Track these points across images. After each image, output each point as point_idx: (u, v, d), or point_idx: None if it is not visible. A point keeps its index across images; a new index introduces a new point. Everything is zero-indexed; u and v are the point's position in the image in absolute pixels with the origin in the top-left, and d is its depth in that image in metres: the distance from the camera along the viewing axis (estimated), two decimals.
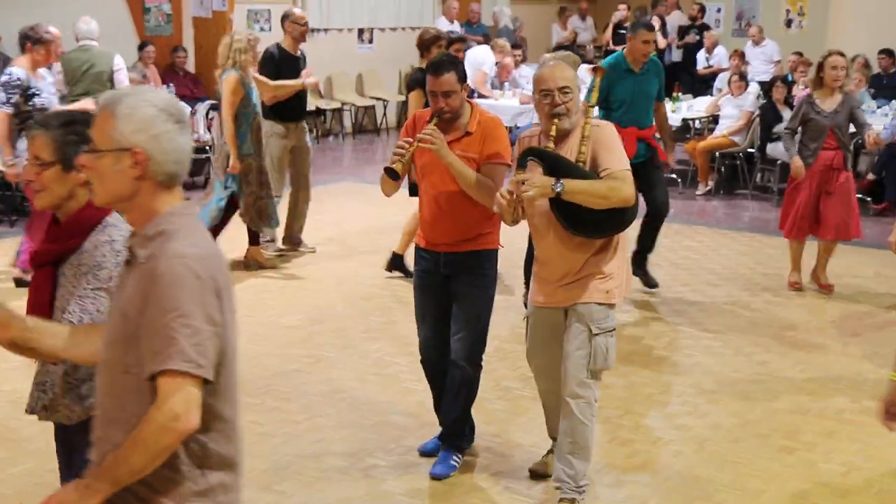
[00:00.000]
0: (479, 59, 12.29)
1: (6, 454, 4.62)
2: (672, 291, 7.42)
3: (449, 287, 4.42)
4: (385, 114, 14.94)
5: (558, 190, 3.84)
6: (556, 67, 4.07)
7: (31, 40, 6.98)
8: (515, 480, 4.53)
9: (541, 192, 3.85)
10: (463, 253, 4.37)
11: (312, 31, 14.27)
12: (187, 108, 10.86)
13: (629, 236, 4.29)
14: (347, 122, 14.73)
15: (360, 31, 14.96)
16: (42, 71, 7.19)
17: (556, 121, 4.00)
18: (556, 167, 3.92)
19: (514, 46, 13.69)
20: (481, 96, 11.79)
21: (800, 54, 12.37)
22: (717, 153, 10.94)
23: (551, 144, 4.03)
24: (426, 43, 7.43)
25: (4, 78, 6.89)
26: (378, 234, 8.61)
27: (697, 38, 14.87)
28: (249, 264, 7.78)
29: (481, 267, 4.40)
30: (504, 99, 11.91)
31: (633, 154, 6.85)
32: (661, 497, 4.43)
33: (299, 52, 8.20)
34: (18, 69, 6.93)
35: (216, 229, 7.30)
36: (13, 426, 4.91)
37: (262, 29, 13.29)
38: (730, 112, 10.94)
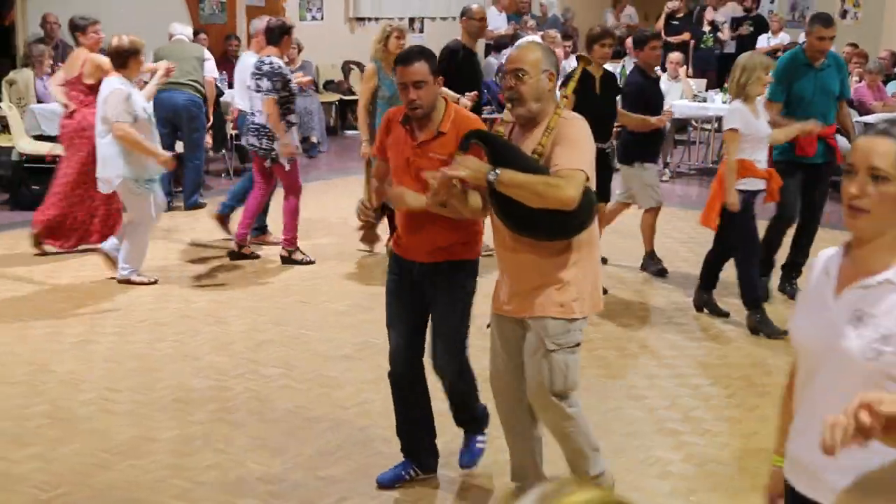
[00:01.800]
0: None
1: (59, 434, 4.71)
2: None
3: (424, 297, 4.10)
4: None
5: (491, 178, 3.44)
6: (522, 48, 3.72)
7: (283, 31, 7.49)
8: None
9: (472, 176, 3.47)
10: (438, 263, 4.02)
11: (363, 20, 14.39)
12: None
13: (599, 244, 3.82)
14: None
15: (411, 21, 14.99)
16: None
17: (508, 105, 3.67)
18: (502, 154, 3.54)
19: (565, 37, 13.62)
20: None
21: (855, 45, 12.19)
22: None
23: (501, 129, 3.73)
24: (591, 39, 6.90)
25: (266, 67, 7.25)
26: None
27: (751, 29, 14.70)
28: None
29: (456, 278, 4.04)
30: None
31: (813, 153, 6.73)
32: (707, 489, 4.40)
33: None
34: (277, 59, 7.33)
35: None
36: (66, 406, 5.01)
37: (313, 18, 13.40)
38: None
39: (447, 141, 3.86)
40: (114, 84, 6.71)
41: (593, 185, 3.60)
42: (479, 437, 4.46)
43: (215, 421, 4.89)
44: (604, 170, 6.62)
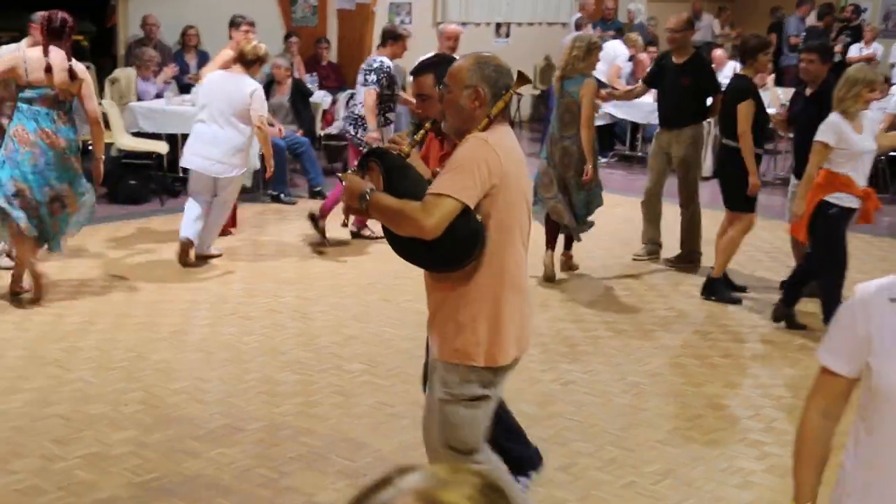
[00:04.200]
0: (613, 53, 12.25)
1: (152, 420, 4.88)
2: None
3: None
4: (519, 107, 15.00)
5: (362, 201, 3.23)
6: (456, 61, 3.44)
7: (392, 36, 8.14)
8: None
9: (348, 196, 3.27)
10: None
11: (452, 23, 14.49)
12: (328, 97, 11.18)
13: (521, 282, 3.37)
14: None
15: (498, 26, 15.08)
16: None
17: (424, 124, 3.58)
18: (391, 176, 3.28)
19: (649, 44, 13.58)
20: (615, 90, 11.72)
21: None
22: None
23: (406, 148, 3.47)
24: (751, 50, 7.03)
25: (376, 65, 7.94)
26: None
27: (849, 40, 14.42)
28: (572, 266, 7.72)
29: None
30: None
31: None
32: (789, 501, 4.37)
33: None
34: (387, 60, 7.99)
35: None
36: (160, 393, 5.19)
37: (402, 21, 13.52)
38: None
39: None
40: (250, 81, 7.28)
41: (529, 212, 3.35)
42: (521, 478, 4.10)
43: (300, 414, 5.02)
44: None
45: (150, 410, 4.99)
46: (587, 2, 14.74)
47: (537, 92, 15.42)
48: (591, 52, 7.27)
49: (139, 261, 7.61)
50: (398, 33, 8.22)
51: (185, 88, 10.69)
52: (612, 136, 12.93)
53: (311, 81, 11.20)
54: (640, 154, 12.52)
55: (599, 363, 5.87)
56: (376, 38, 12.66)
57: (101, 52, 12.61)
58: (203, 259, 7.59)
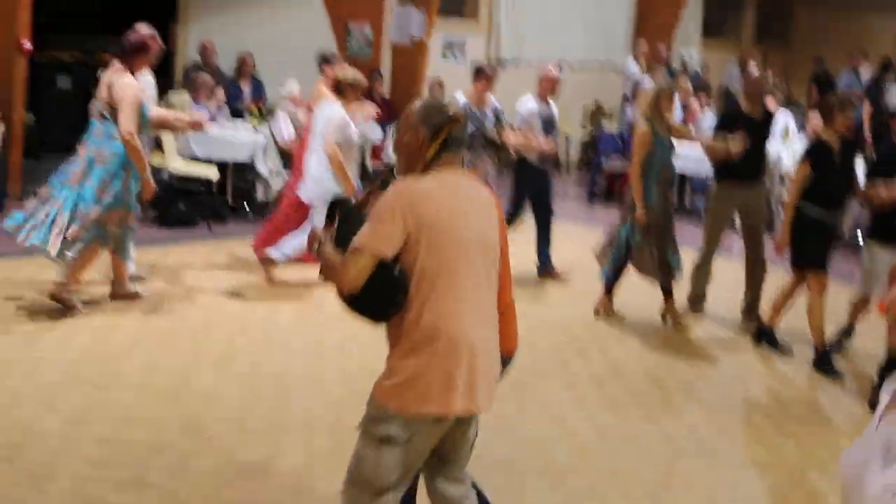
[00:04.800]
0: None
1: (192, 446, 4.90)
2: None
3: None
4: (567, 150, 15.02)
5: (315, 248, 3.34)
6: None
7: (482, 73, 8.14)
8: None
9: (308, 244, 3.50)
10: None
11: (504, 61, 14.60)
12: (378, 131, 11.27)
13: (452, 333, 3.18)
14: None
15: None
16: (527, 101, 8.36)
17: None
18: (340, 222, 3.36)
19: (700, 89, 13.54)
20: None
21: None
22: None
23: (360, 196, 3.52)
24: (832, 107, 6.83)
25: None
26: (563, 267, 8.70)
27: None
28: (666, 319, 7.63)
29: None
30: (687, 144, 11.71)
31: None
32: None
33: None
34: (461, 96, 7.95)
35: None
36: (202, 420, 5.21)
37: (454, 58, 13.66)
38: None
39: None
40: (337, 108, 7.42)
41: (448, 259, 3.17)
42: None
43: (339, 449, 5.02)
44: (824, 239, 6.74)
45: (189, 437, 5.02)
46: (640, 46, 14.79)
47: (586, 136, 15.39)
48: (657, 99, 7.32)
49: (186, 284, 7.69)
50: (482, 71, 8.13)
51: (237, 114, 10.85)
52: None
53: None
54: (686, 206, 12.41)
55: (638, 416, 5.84)
56: (430, 72, 12.83)
57: (158, 73, 12.81)
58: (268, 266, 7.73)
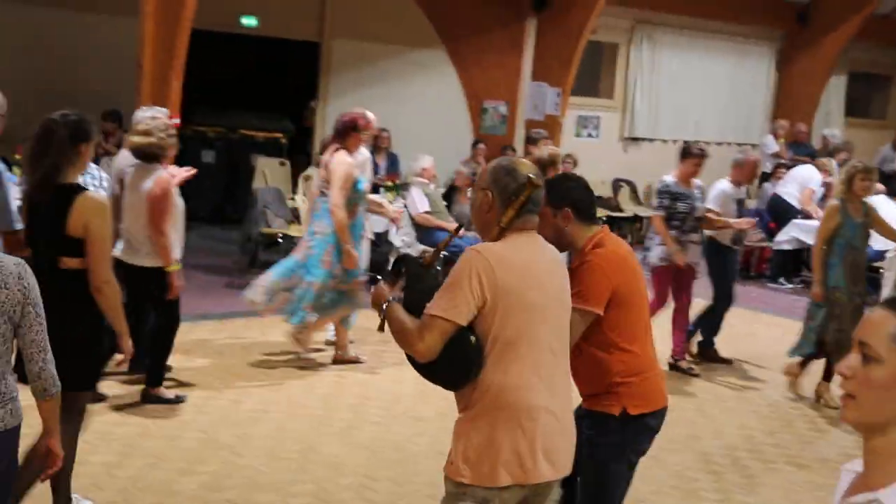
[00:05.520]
0: (807, 177, 12.10)
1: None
2: None
3: None
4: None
5: (384, 309, 3.20)
6: None
7: (689, 154, 7.80)
8: None
9: (372, 303, 3.26)
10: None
11: (638, 140, 14.53)
12: None
13: (528, 401, 3.10)
14: None
15: (686, 143, 14.97)
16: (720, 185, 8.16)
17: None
18: (410, 283, 3.26)
19: None
20: (807, 215, 11.47)
21: None
22: None
23: (428, 256, 3.41)
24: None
25: (659, 185, 7.84)
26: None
27: None
28: (822, 397, 7.37)
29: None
30: None
31: None
32: None
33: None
34: (670, 178, 7.76)
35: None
36: (327, 488, 5.20)
37: (589, 135, 13.66)
38: None
39: (574, 279, 3.49)
40: None
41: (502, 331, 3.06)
42: None
43: None
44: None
45: None
46: (779, 125, 14.53)
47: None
48: (851, 178, 7.15)
49: (317, 352, 7.77)
50: (689, 151, 7.84)
51: (373, 188, 11.04)
52: (800, 262, 12.53)
53: None
54: None
55: (778, 497, 5.57)
56: (563, 148, 12.84)
57: (297, 149, 13.23)
58: None
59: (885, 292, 10.05)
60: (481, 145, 12.27)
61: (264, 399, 6.58)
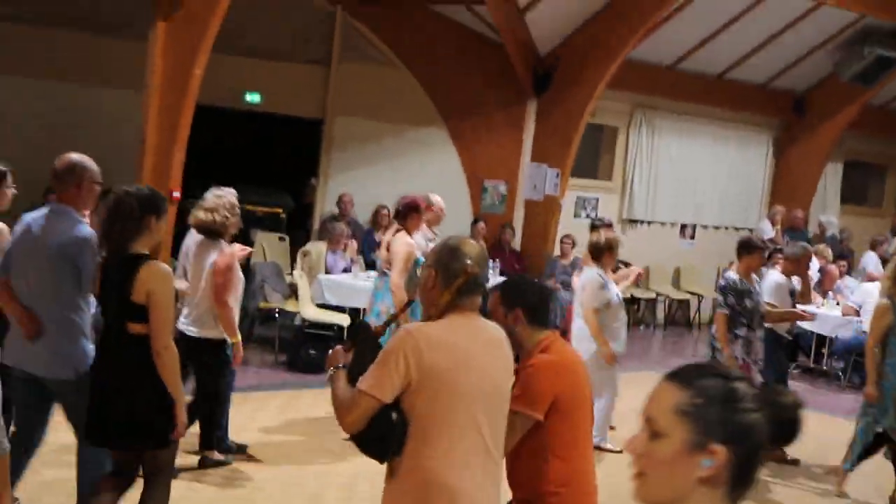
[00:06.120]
0: None
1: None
2: None
3: None
4: (699, 309, 14.76)
5: (329, 374, 3.29)
6: None
7: (753, 247, 7.49)
8: None
9: (326, 366, 3.34)
10: None
11: (636, 222, 14.61)
12: None
13: (451, 483, 3.12)
14: (660, 314, 14.70)
15: (683, 227, 15.07)
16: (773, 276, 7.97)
17: None
18: (359, 351, 3.33)
19: (840, 257, 13.28)
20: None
21: None
22: None
23: (379, 327, 3.55)
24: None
25: (722, 283, 7.47)
26: None
27: None
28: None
29: None
30: (826, 308, 11.45)
31: None
32: None
33: None
34: (732, 274, 7.39)
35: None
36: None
37: (587, 216, 13.72)
38: None
39: (517, 381, 3.56)
40: (591, 274, 7.62)
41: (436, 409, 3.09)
42: None
43: None
44: None
45: None
46: (776, 210, 14.62)
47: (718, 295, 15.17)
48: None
49: (312, 429, 7.68)
50: (753, 244, 7.57)
51: (371, 265, 11.05)
52: (797, 347, 12.49)
53: (492, 267, 11.37)
54: (823, 368, 12.00)
55: None
56: (561, 229, 12.90)
57: (296, 225, 13.26)
58: None
59: None
60: (481, 223, 12.31)
61: (259, 478, 6.48)
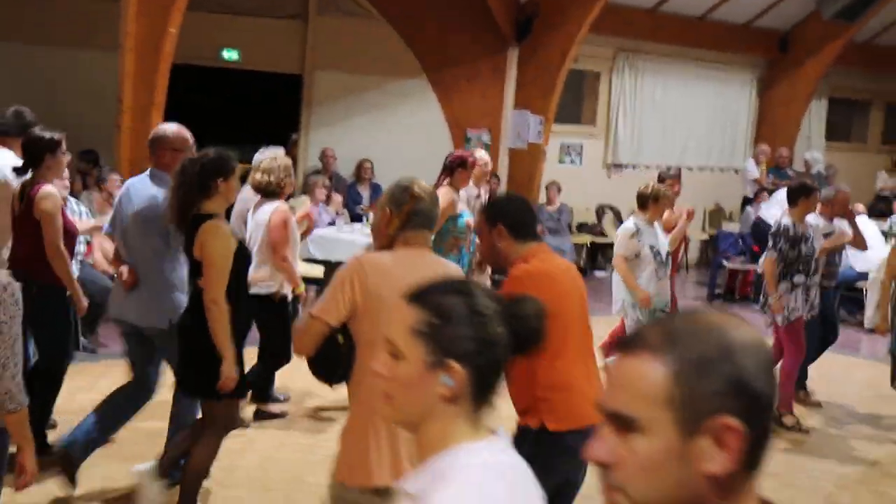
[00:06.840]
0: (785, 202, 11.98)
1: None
2: None
3: None
4: (686, 251, 14.75)
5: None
6: None
7: (810, 190, 7.28)
8: None
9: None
10: None
11: (620, 166, 14.58)
12: None
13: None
14: None
15: (668, 169, 15.00)
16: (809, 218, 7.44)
17: None
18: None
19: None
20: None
21: None
22: None
23: None
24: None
25: (773, 228, 7.25)
26: None
27: None
28: None
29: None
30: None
31: None
32: None
33: None
34: (787, 219, 7.17)
35: None
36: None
37: (571, 162, 13.70)
38: None
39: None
40: (628, 223, 7.54)
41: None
42: None
43: None
44: None
45: None
46: (761, 150, 14.60)
47: (706, 237, 15.19)
48: None
49: (300, 384, 7.69)
50: (810, 188, 7.37)
51: (356, 218, 11.03)
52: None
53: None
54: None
55: None
56: (546, 177, 12.87)
57: None
58: None
59: (868, 313, 10.05)
60: None
61: (250, 431, 6.50)
